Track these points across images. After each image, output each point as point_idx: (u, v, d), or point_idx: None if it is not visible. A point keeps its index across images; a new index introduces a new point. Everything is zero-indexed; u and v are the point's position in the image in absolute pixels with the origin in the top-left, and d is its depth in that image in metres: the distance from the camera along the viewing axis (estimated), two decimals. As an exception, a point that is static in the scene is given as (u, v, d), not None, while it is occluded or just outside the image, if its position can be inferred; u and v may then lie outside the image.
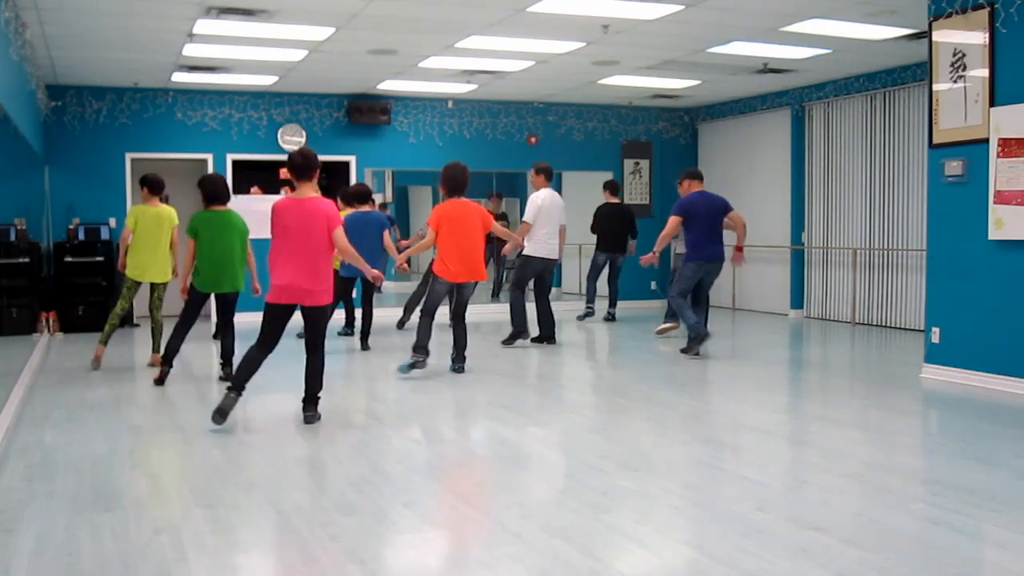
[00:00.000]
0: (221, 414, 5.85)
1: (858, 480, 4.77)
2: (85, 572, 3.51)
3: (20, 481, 4.79)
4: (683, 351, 8.92)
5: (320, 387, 6.17)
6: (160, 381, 7.52)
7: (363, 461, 5.35)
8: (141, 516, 4.18)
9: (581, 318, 12.10)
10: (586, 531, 3.94)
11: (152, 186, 8.50)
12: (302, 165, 5.98)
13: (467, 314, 8.18)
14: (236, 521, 4.12)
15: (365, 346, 9.66)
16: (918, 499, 4.42)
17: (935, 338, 7.64)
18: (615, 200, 12.04)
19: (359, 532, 3.98)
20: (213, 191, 7.53)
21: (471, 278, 7.95)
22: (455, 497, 4.50)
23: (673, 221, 8.88)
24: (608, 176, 14.19)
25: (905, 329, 10.95)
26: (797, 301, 12.76)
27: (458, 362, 8.07)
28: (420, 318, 7.89)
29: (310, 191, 6.01)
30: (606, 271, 12.04)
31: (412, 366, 7.78)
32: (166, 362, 7.62)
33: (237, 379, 5.98)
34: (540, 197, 9.61)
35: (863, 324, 11.60)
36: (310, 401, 6.15)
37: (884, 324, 11.37)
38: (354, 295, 10.38)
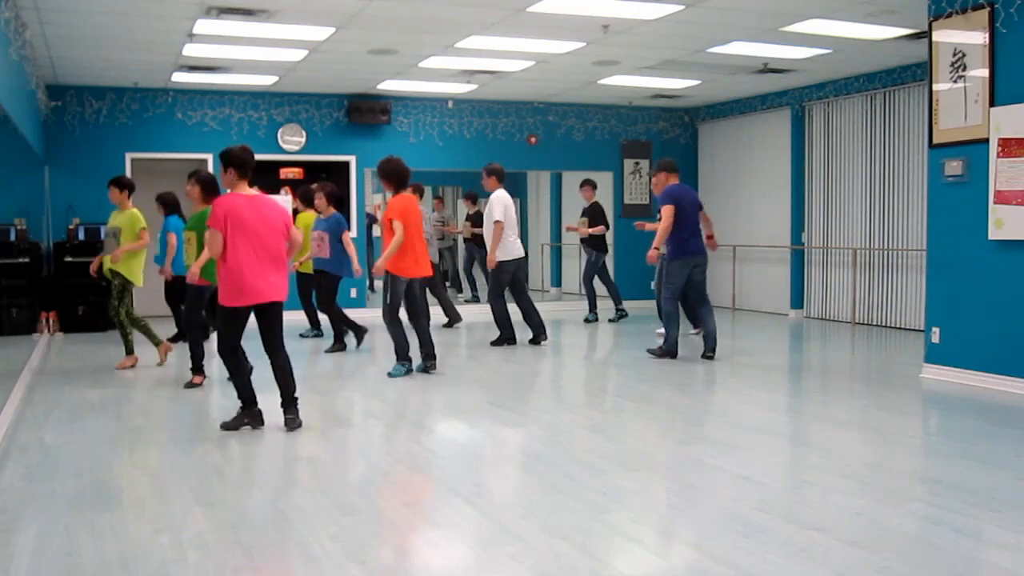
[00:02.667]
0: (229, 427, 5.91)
1: (858, 480, 4.76)
2: (85, 572, 3.51)
3: (20, 481, 4.79)
4: (650, 351, 8.88)
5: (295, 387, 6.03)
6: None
7: (363, 461, 5.35)
8: (141, 516, 4.19)
9: (615, 320, 12.04)
10: (586, 531, 3.94)
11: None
12: (248, 161, 5.83)
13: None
14: (236, 521, 4.12)
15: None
16: (918, 499, 4.42)
17: (935, 338, 7.64)
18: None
19: (359, 532, 3.98)
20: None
21: (427, 273, 7.89)
22: (455, 497, 4.50)
23: (669, 211, 8.46)
24: (608, 176, 14.23)
25: (905, 329, 10.95)
26: (797, 301, 12.76)
27: (430, 360, 7.99)
28: (389, 325, 7.71)
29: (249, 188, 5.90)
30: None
31: (407, 373, 7.81)
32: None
33: (246, 397, 5.94)
34: (506, 197, 9.49)
35: (863, 324, 11.60)
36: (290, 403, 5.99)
37: (884, 324, 11.37)
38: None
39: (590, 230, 11.76)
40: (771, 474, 4.94)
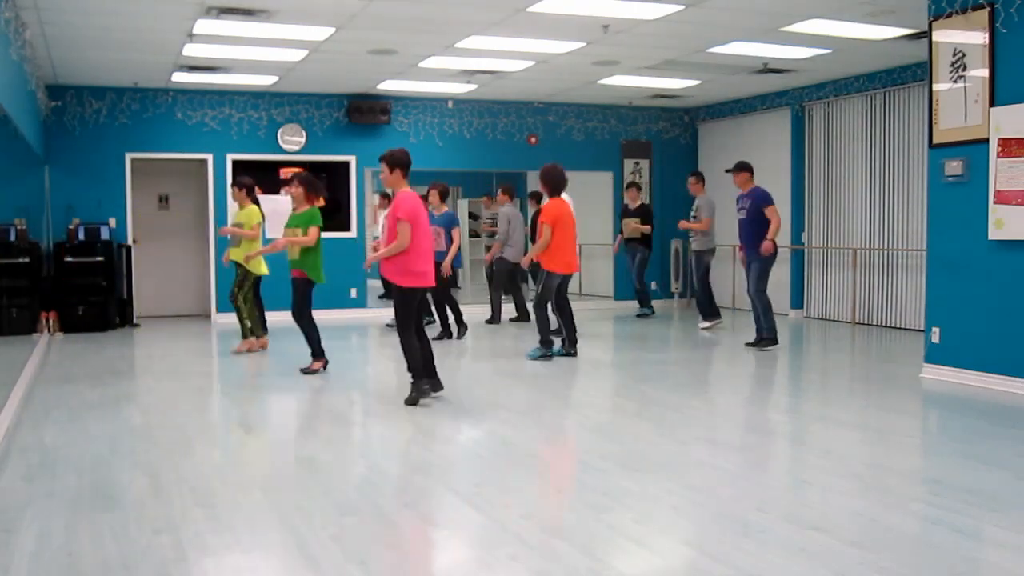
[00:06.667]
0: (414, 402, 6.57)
1: (858, 480, 4.77)
2: (85, 572, 3.51)
3: (20, 481, 4.79)
4: (749, 344, 9.54)
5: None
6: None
7: (363, 461, 5.36)
8: (141, 516, 4.18)
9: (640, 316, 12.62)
10: (586, 531, 3.94)
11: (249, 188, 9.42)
12: (410, 163, 6.63)
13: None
14: (236, 521, 4.12)
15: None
16: (918, 499, 4.42)
17: (935, 338, 7.64)
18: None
19: (359, 532, 3.98)
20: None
21: (576, 270, 8.92)
22: (455, 497, 4.50)
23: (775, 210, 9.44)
24: (608, 176, 14.24)
25: (905, 329, 10.95)
26: (797, 301, 12.76)
27: (571, 345, 8.84)
28: (536, 312, 8.65)
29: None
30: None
31: (542, 356, 8.61)
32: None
33: (415, 370, 6.59)
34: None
35: (863, 324, 11.60)
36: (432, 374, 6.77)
37: (884, 324, 11.36)
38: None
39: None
40: (771, 474, 4.94)
